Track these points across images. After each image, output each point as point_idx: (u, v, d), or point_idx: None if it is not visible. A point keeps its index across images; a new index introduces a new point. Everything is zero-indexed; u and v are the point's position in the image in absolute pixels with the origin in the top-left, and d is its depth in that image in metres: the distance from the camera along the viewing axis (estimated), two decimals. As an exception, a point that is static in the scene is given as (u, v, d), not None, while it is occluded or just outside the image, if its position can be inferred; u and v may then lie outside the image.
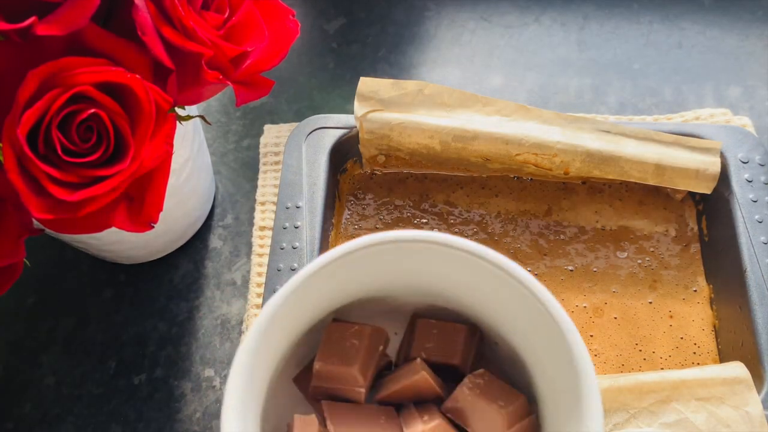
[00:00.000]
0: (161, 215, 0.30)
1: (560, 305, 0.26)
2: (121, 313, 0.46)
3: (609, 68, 0.55)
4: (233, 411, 0.23)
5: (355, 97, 0.44)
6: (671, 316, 0.42)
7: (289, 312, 0.26)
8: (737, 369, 0.36)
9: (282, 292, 0.26)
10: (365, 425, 0.26)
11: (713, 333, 0.41)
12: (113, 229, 0.30)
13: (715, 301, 0.42)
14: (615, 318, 0.42)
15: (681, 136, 0.44)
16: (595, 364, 0.41)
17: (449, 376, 0.28)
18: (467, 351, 0.29)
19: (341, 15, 0.59)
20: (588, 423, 0.23)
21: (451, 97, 0.45)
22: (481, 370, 0.28)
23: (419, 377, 0.27)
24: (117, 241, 0.43)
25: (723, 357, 0.41)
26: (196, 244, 0.48)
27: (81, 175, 0.28)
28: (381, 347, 0.28)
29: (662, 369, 0.40)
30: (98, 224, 0.29)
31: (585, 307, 0.42)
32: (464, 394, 0.27)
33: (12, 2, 0.27)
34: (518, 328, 0.28)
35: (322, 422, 0.27)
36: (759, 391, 0.36)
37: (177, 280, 0.47)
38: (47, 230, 0.30)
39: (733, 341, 0.40)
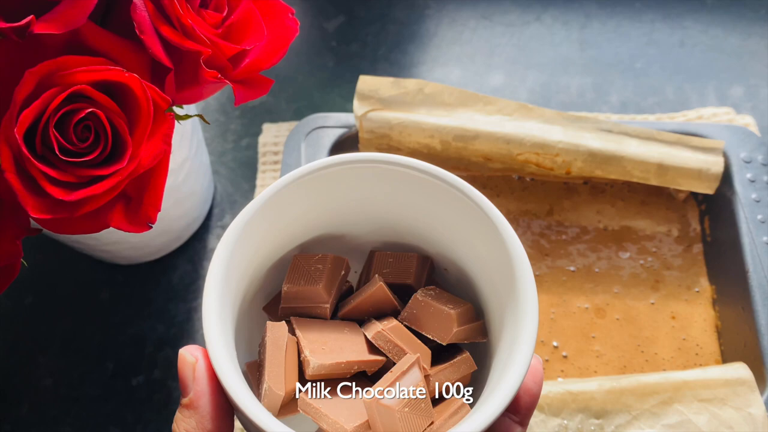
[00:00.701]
0: (159, 215, 0.30)
1: (494, 206, 0.28)
2: (119, 314, 0.46)
3: (611, 67, 0.55)
4: (213, 315, 0.25)
5: (355, 96, 0.44)
6: (673, 317, 0.42)
7: (259, 227, 0.28)
8: (740, 370, 0.36)
9: (254, 204, 0.28)
10: (330, 334, 0.29)
11: (716, 334, 0.41)
12: (111, 229, 0.29)
13: (717, 301, 0.42)
14: (617, 319, 0.42)
15: (683, 136, 0.43)
16: (597, 365, 0.41)
17: (405, 297, 0.31)
18: (420, 273, 0.32)
19: (341, 13, 0.59)
20: (523, 324, 0.26)
21: (451, 96, 0.45)
22: (432, 286, 0.31)
23: (377, 288, 0.30)
24: (115, 242, 0.42)
25: (726, 358, 0.40)
26: (195, 244, 0.48)
27: (78, 175, 0.28)
28: (342, 272, 0.31)
29: (664, 370, 0.40)
30: (96, 224, 0.29)
31: (587, 308, 0.42)
32: (417, 302, 0.29)
33: (10, 1, 0.27)
34: (462, 243, 0.30)
35: (292, 332, 0.29)
36: (762, 393, 0.36)
37: (175, 281, 0.47)
38: (45, 230, 0.30)
39: (735, 342, 0.40)
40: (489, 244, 0.28)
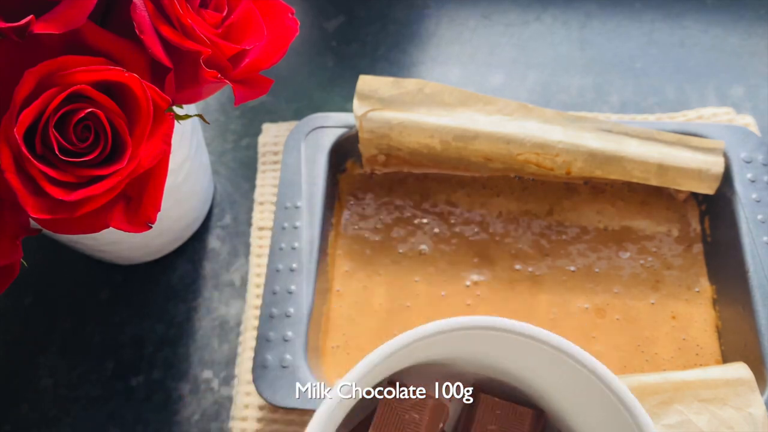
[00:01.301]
0: (159, 215, 0.30)
1: (631, 393, 0.24)
2: (118, 314, 0.46)
3: (611, 67, 0.55)
4: None
5: (355, 95, 0.44)
6: (674, 317, 0.42)
7: (343, 406, 0.25)
8: (740, 370, 0.36)
9: (334, 393, 0.24)
10: None
11: (716, 334, 0.41)
12: (111, 229, 0.29)
13: (718, 301, 0.42)
14: (617, 319, 0.42)
15: (684, 136, 0.43)
16: (597, 366, 0.40)
17: None
18: None
19: (341, 13, 0.59)
20: None
21: (451, 96, 0.45)
22: None
23: None
24: (115, 242, 0.42)
25: (726, 358, 0.40)
26: (195, 244, 0.48)
27: (78, 175, 0.28)
28: (441, 424, 0.27)
29: (665, 370, 0.40)
30: (96, 224, 0.29)
31: (587, 308, 0.42)
32: None
33: (10, 1, 0.27)
34: (585, 416, 0.27)
35: None
36: (762, 393, 0.36)
37: (175, 281, 0.47)
38: (45, 230, 0.30)
39: (736, 342, 0.40)
40: (616, 427, 0.25)
